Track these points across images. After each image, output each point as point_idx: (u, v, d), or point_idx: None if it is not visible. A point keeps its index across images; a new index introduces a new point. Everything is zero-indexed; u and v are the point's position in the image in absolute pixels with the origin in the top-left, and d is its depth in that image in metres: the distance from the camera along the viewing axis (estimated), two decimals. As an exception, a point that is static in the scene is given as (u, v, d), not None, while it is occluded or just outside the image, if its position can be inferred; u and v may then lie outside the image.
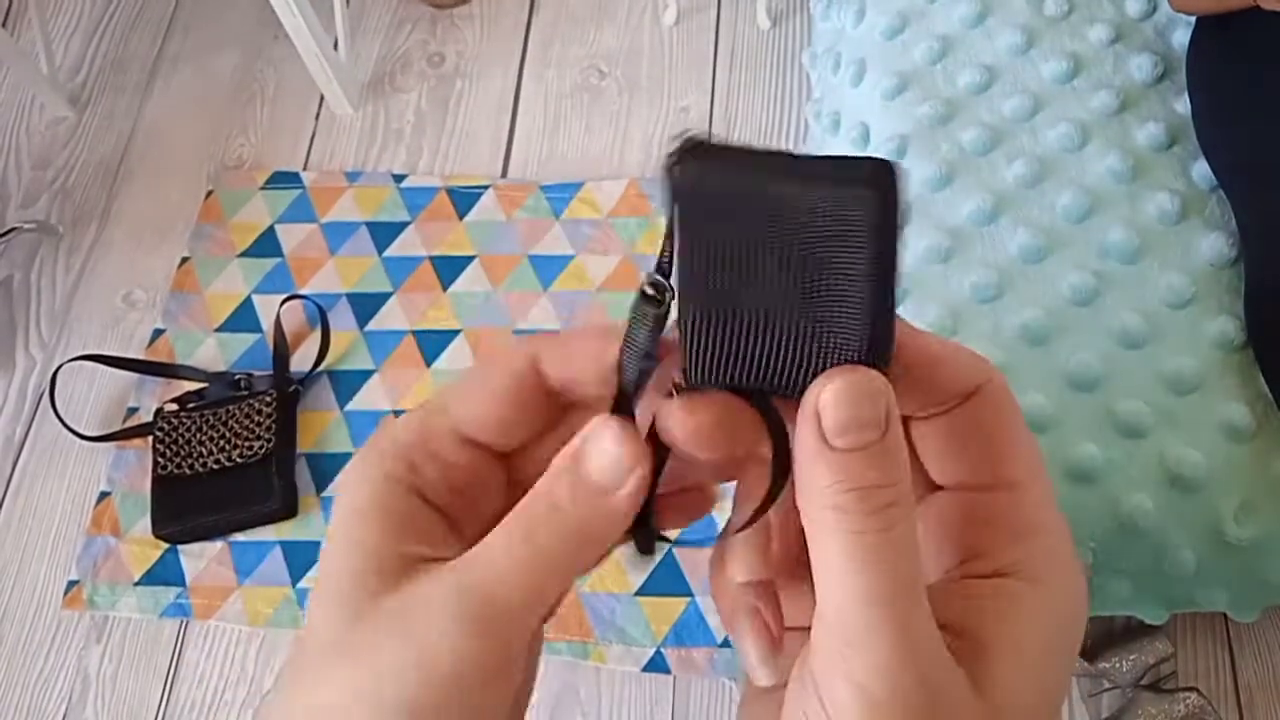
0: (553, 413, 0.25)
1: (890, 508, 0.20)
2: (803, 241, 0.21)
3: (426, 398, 0.25)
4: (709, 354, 0.22)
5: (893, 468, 0.20)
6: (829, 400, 0.20)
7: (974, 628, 0.21)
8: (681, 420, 0.22)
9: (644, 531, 0.24)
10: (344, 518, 0.23)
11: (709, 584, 0.25)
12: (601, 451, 0.22)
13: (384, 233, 1.23)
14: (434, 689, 0.21)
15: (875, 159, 0.21)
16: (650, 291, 0.22)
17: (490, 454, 0.25)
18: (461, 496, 0.24)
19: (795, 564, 0.25)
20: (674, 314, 0.22)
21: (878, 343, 0.21)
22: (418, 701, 0.21)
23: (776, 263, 0.21)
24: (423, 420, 0.24)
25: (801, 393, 0.21)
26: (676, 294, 0.22)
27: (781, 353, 0.22)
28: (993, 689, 0.20)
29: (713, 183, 0.21)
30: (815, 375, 0.21)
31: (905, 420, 0.23)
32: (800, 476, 0.21)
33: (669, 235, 0.21)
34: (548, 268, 1.19)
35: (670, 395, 0.23)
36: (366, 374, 1.15)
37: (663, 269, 0.22)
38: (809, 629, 0.25)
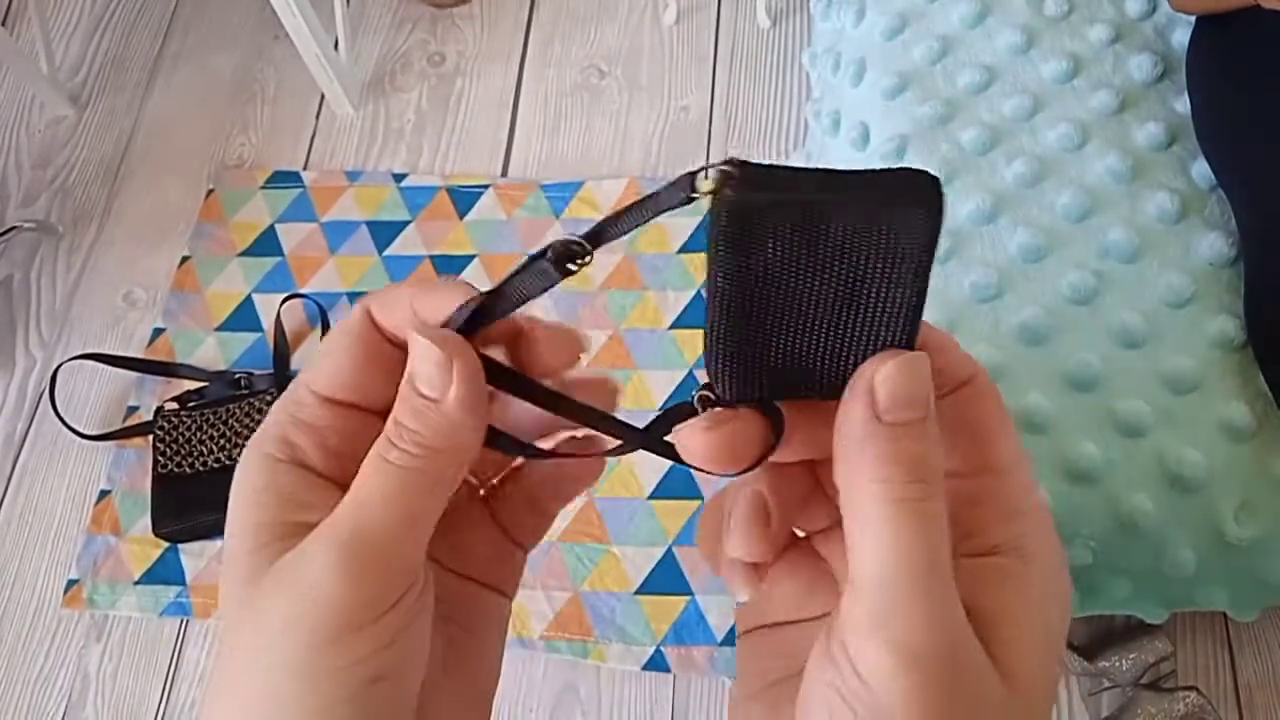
0: (399, 359, 0.25)
1: (929, 482, 0.21)
2: (850, 257, 0.21)
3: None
4: (743, 373, 0.23)
5: (933, 445, 0.22)
6: (884, 377, 0.22)
7: (976, 601, 0.22)
8: (705, 441, 0.23)
9: (503, 438, 0.25)
10: (233, 504, 0.25)
11: (695, 535, 0.26)
12: (421, 360, 0.23)
13: (384, 232, 1.23)
14: (323, 636, 0.21)
15: (917, 172, 0.21)
16: (575, 250, 0.22)
17: (362, 411, 0.25)
18: (340, 457, 0.24)
19: (781, 554, 0.26)
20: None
21: (914, 336, 0.23)
22: (313, 652, 0.21)
23: (821, 278, 0.22)
24: (289, 395, 0.25)
25: (838, 392, 0.22)
26: (713, 317, 0.22)
27: (822, 359, 0.23)
28: (1003, 656, 0.21)
29: (761, 205, 0.21)
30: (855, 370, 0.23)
31: None
32: (848, 451, 0.22)
33: (713, 259, 0.22)
34: (548, 267, 1.19)
35: (694, 411, 0.23)
36: (367, 373, 1.15)
37: (597, 237, 0.22)
38: (798, 622, 0.25)
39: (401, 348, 0.24)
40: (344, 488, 0.24)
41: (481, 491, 0.29)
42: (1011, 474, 0.24)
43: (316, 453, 0.24)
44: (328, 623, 0.21)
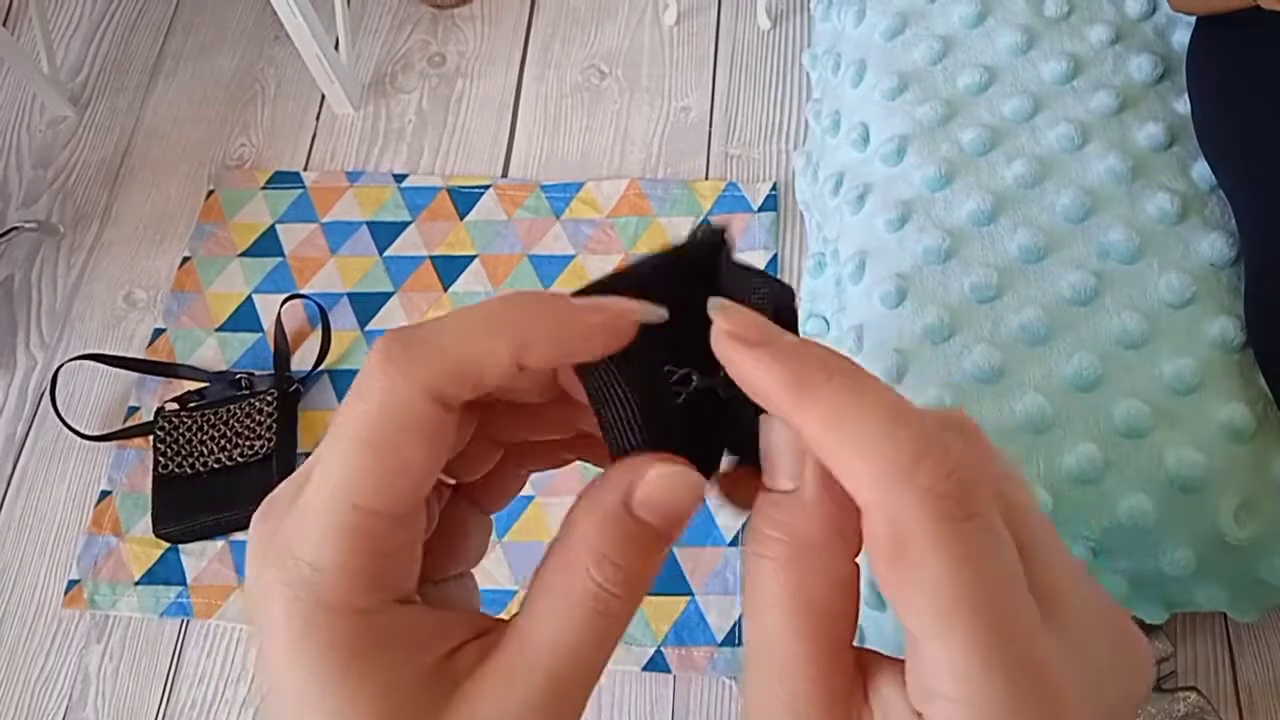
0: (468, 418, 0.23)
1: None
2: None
3: (305, 499, 0.21)
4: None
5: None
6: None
7: None
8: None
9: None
10: (341, 679, 0.20)
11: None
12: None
13: (385, 232, 1.23)
14: None
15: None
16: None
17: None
18: (418, 547, 0.23)
19: None
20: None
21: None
22: None
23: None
24: (348, 532, 0.20)
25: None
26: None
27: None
28: None
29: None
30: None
31: None
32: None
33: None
34: (548, 267, 1.19)
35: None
36: (367, 374, 1.15)
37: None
38: None
39: (458, 410, 0.21)
40: (408, 597, 0.22)
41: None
42: (933, 641, 0.19)
43: (405, 579, 0.22)
44: None
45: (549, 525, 1.04)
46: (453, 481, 0.26)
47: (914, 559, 0.19)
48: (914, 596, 0.19)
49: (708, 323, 0.22)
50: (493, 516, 0.28)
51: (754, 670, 0.21)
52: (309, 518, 0.21)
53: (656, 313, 0.23)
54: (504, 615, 0.23)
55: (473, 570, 0.27)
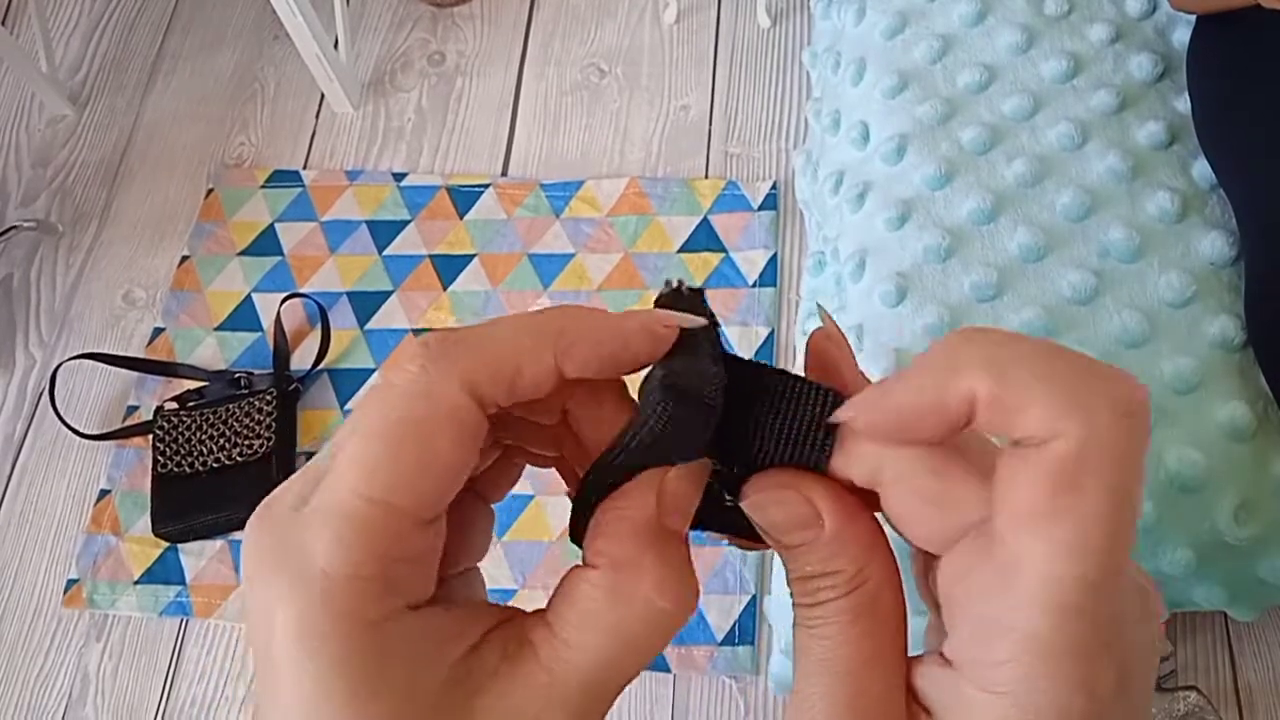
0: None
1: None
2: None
3: (334, 486, 0.20)
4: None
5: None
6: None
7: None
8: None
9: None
10: (306, 690, 0.19)
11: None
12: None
13: (384, 231, 1.23)
14: None
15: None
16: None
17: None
18: (436, 558, 0.22)
19: None
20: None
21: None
22: None
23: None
24: (367, 533, 0.19)
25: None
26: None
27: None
28: None
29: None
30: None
31: None
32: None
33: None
34: (548, 266, 1.19)
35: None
36: (367, 373, 1.15)
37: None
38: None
39: (494, 418, 0.21)
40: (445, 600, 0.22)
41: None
42: (1056, 562, 0.19)
43: (421, 588, 0.21)
44: None
45: (549, 524, 1.04)
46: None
47: (1088, 483, 0.19)
48: (1066, 521, 0.19)
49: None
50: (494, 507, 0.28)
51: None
52: (322, 517, 0.19)
53: (697, 321, 0.23)
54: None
55: None
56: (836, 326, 0.24)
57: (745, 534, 0.24)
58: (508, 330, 0.21)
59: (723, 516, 0.24)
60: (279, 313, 1.18)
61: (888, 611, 0.22)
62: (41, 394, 1.18)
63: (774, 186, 1.20)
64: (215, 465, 1.07)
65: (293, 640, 0.19)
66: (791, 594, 0.22)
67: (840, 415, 0.22)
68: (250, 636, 0.21)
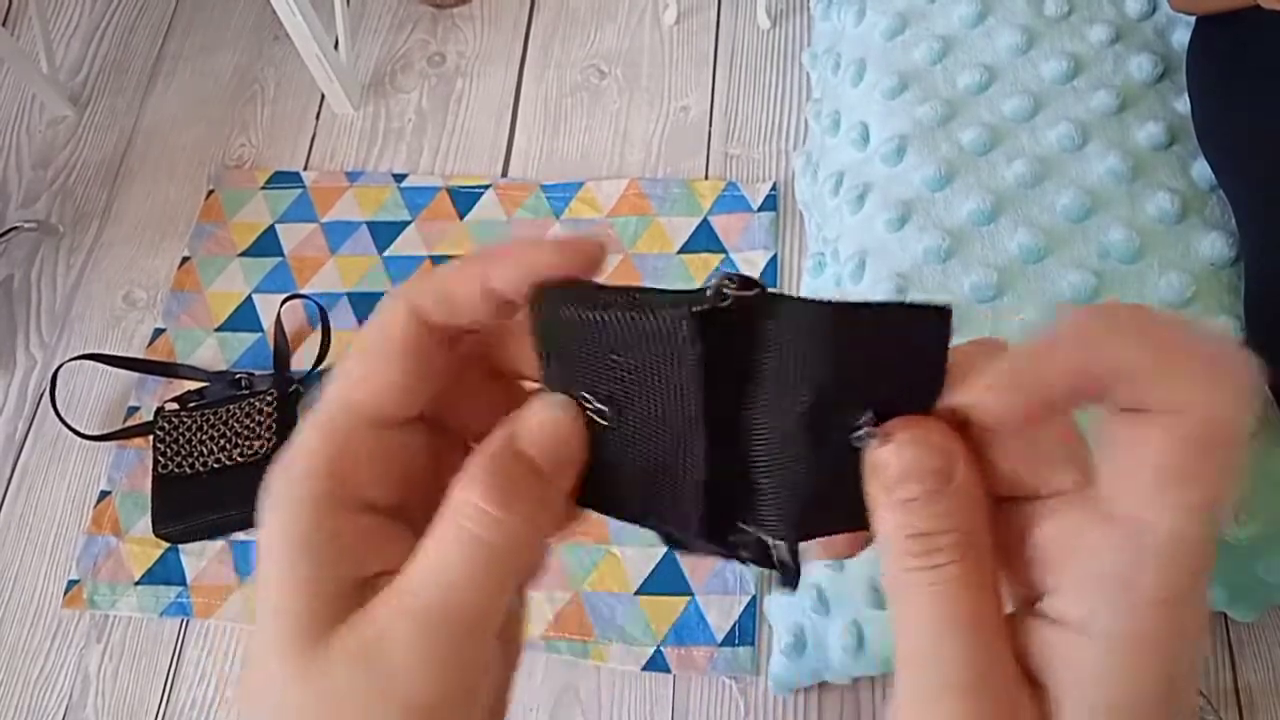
0: (452, 361, 0.24)
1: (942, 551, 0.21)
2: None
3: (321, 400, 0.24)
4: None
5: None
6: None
7: (1035, 671, 0.21)
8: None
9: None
10: (276, 553, 0.22)
11: None
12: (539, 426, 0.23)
13: (385, 232, 1.23)
14: None
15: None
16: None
17: (418, 425, 0.24)
18: (406, 484, 0.23)
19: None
20: None
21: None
22: None
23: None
24: (328, 424, 0.23)
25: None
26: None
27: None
28: None
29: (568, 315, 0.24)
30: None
31: None
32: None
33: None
34: (548, 267, 1.19)
35: None
36: (367, 373, 1.15)
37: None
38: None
39: (449, 341, 0.24)
40: (406, 520, 0.23)
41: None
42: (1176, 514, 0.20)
43: (378, 488, 0.23)
44: (412, 713, 0.21)
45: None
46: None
47: (1218, 454, 0.20)
48: (1198, 487, 0.20)
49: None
50: None
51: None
52: (305, 424, 0.24)
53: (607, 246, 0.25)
54: None
55: None
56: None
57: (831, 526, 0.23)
58: (453, 262, 0.24)
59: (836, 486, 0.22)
60: (279, 314, 1.18)
61: (989, 565, 0.22)
62: (42, 395, 1.18)
63: (774, 187, 1.20)
64: (216, 466, 1.07)
65: (266, 515, 0.23)
66: (889, 554, 0.22)
67: (975, 389, 0.21)
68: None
